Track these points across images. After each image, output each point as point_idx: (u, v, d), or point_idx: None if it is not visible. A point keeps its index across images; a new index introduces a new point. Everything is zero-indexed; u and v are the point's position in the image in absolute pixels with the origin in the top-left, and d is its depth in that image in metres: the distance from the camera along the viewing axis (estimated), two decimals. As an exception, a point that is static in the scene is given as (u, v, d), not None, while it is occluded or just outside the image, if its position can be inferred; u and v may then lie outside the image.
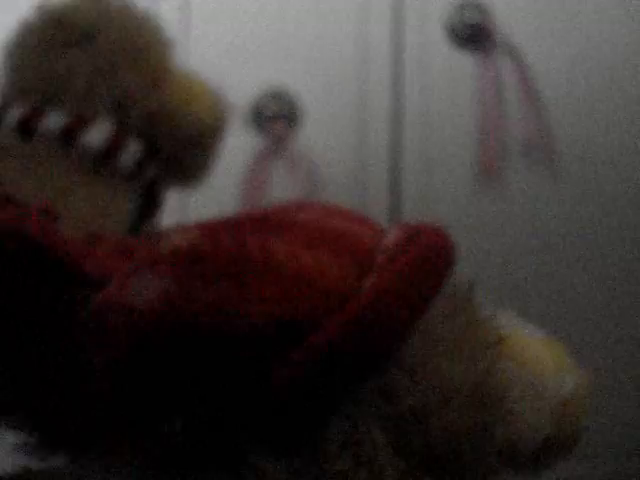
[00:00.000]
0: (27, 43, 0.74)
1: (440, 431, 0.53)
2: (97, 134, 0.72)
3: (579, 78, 1.20)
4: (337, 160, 1.20)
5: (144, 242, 0.62)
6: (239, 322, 0.51)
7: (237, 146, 1.19)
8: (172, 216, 0.83)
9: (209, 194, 0.94)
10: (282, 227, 0.54)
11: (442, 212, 1.19)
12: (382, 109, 1.20)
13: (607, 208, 1.19)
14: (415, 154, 1.20)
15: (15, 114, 0.72)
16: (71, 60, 0.72)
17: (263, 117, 1.19)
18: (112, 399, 0.54)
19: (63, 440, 0.58)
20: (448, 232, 0.56)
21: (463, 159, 1.20)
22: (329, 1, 1.20)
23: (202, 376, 0.53)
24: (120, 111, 0.73)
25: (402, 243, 0.55)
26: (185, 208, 1.10)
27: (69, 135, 0.71)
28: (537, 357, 0.59)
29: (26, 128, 0.72)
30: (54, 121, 0.72)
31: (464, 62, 1.20)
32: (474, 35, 1.19)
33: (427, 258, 0.54)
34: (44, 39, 0.73)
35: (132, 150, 0.73)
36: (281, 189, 1.19)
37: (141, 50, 0.74)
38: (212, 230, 0.55)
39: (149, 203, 0.78)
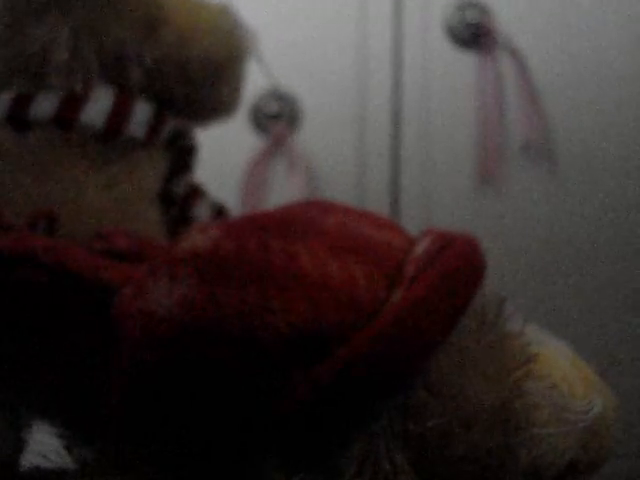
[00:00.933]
0: None
1: (463, 452, 0.50)
2: (97, 107, 0.62)
3: (579, 78, 1.20)
4: (337, 160, 1.20)
5: (160, 241, 0.60)
6: (263, 333, 0.48)
7: (237, 146, 1.18)
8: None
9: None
10: (308, 232, 0.51)
11: (441, 212, 1.19)
12: (382, 109, 1.20)
13: (607, 208, 1.19)
14: (415, 154, 1.19)
15: (2, 105, 0.63)
16: (49, 27, 0.62)
17: (263, 117, 1.19)
18: (128, 410, 0.51)
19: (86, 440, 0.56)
20: (479, 243, 0.54)
21: (463, 159, 1.20)
22: (329, 1, 1.20)
23: (222, 387, 0.50)
24: (116, 74, 0.64)
25: (433, 254, 0.51)
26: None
27: (65, 117, 0.62)
28: (566, 378, 0.57)
29: (16, 119, 0.63)
30: (44, 105, 0.62)
31: (464, 62, 1.20)
32: (474, 35, 1.19)
33: (458, 271, 0.51)
34: (14, 7, 0.63)
35: (141, 112, 0.64)
36: (281, 189, 1.18)
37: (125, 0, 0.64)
38: (234, 231, 0.51)
39: (178, 159, 0.68)
